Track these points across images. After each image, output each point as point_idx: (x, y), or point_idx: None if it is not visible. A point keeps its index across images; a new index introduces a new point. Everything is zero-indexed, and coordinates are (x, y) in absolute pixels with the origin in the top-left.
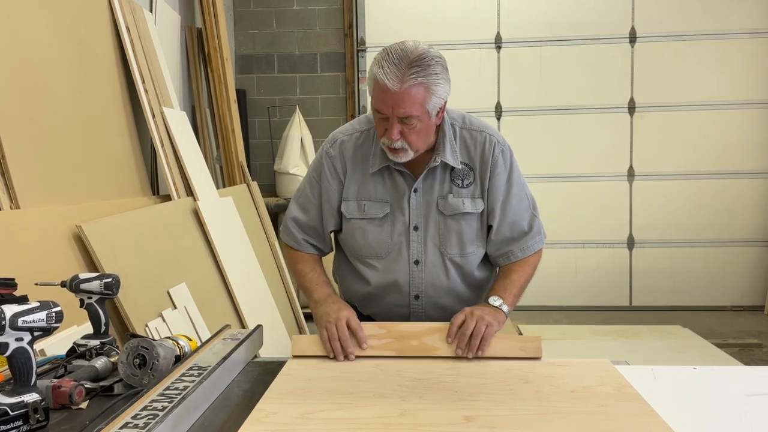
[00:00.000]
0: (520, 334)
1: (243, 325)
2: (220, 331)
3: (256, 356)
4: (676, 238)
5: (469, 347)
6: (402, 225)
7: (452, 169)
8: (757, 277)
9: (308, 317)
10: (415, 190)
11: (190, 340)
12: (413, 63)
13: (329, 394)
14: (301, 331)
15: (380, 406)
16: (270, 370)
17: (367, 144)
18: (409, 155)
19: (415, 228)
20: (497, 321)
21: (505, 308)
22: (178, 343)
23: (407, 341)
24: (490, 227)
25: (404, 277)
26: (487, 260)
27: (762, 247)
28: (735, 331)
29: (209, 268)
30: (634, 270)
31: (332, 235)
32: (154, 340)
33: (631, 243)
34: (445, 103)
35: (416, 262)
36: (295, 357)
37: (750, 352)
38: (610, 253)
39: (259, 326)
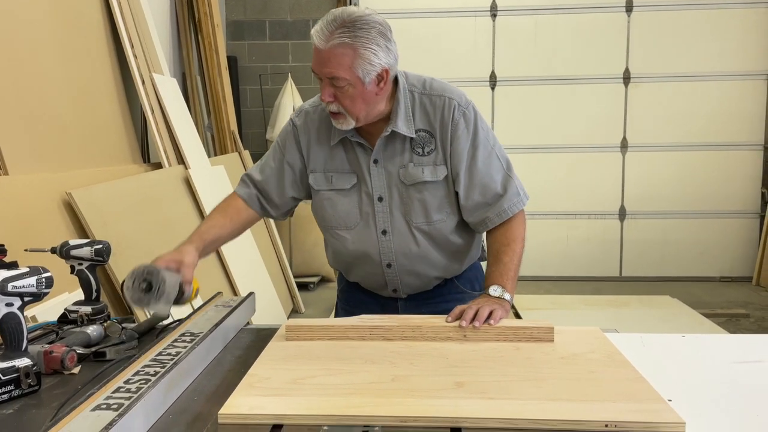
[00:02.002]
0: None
1: (235, 293)
2: (212, 298)
3: (248, 323)
4: (667, 209)
5: (477, 317)
6: (367, 196)
7: (412, 138)
8: (746, 248)
9: (301, 287)
10: (375, 161)
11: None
12: (344, 24)
13: (321, 361)
14: (294, 300)
15: (372, 372)
16: (262, 336)
17: None
18: (350, 122)
19: (380, 198)
20: (503, 308)
21: (507, 296)
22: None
23: (410, 319)
24: (458, 194)
25: (373, 247)
26: (463, 225)
27: (752, 218)
28: (723, 302)
29: None
30: (625, 241)
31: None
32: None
33: (622, 214)
34: (386, 72)
35: (384, 232)
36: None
37: (737, 322)
38: (602, 224)
39: (251, 293)
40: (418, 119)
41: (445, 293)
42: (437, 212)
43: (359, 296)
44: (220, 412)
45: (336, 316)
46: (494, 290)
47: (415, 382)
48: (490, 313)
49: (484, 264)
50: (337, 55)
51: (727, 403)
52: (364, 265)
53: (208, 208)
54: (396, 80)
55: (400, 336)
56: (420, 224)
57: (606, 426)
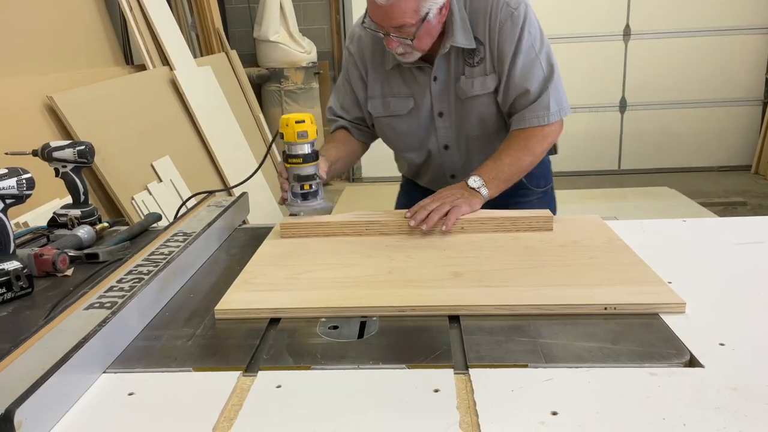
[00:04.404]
0: None
1: (229, 195)
2: (203, 198)
3: (243, 223)
4: (668, 99)
5: (426, 220)
6: (427, 116)
7: (464, 48)
8: (746, 137)
9: None
10: (435, 79)
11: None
12: None
13: (317, 257)
14: None
15: (369, 266)
16: (257, 235)
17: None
18: (416, 55)
19: (440, 114)
20: (468, 204)
21: (484, 192)
22: None
23: (400, 215)
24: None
25: (437, 160)
26: None
27: (755, 106)
28: (721, 191)
29: (192, 139)
30: (625, 133)
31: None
32: None
33: (623, 106)
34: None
35: (446, 147)
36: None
37: (734, 210)
38: (601, 117)
39: (243, 193)
40: (469, 28)
41: (510, 189)
42: (494, 122)
43: (421, 190)
44: (216, 307)
45: (396, 206)
46: (474, 181)
47: (413, 273)
48: (447, 213)
49: (552, 158)
50: (401, 7)
51: (727, 284)
52: (431, 176)
53: (197, 111)
54: None
55: (397, 230)
56: (479, 135)
57: (605, 309)
